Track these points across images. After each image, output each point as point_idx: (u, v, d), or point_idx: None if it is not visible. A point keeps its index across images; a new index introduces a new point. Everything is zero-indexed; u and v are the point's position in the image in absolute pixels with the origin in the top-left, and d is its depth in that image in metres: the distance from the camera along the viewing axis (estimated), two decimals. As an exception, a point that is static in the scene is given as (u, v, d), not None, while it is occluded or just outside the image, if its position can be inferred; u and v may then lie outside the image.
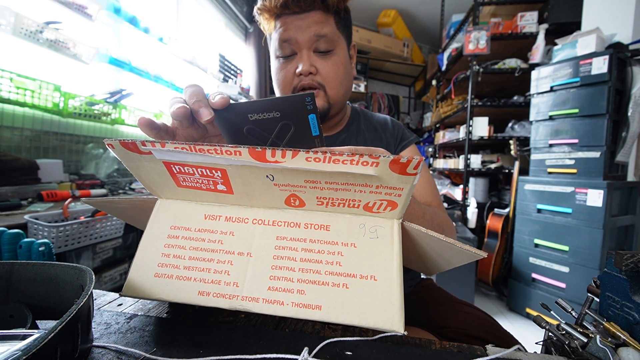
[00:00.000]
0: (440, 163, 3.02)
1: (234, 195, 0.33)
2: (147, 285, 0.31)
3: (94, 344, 0.28)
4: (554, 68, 1.72)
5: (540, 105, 1.79)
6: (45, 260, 0.45)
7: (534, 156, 1.84)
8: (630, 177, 1.68)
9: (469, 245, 0.31)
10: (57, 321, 0.22)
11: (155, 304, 0.36)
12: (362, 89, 3.72)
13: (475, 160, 2.36)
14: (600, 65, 1.52)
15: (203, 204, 0.36)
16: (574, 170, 1.63)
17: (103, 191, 1.32)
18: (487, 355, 0.28)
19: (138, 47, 1.81)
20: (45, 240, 0.69)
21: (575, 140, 1.62)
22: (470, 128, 2.29)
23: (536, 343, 0.34)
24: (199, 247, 0.33)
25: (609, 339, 0.28)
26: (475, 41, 2.12)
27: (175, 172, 0.32)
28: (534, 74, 1.83)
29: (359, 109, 0.76)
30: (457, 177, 3.03)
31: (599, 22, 1.71)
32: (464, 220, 2.33)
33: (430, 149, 3.59)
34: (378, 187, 0.28)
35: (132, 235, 1.11)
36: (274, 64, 0.63)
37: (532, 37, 2.10)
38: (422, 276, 0.71)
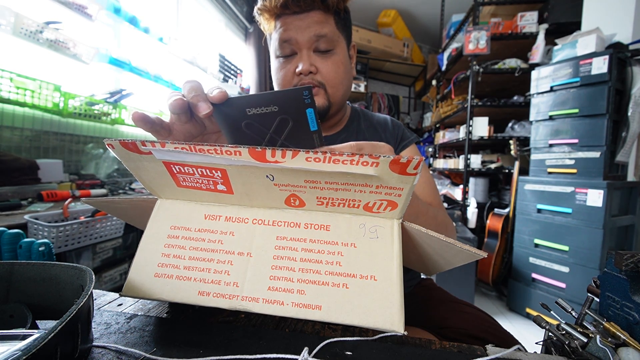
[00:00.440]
0: (440, 163, 3.02)
1: (234, 195, 0.33)
2: (147, 285, 0.31)
3: (94, 344, 0.28)
4: (554, 68, 1.72)
5: (540, 105, 1.79)
6: (45, 260, 0.45)
7: (534, 156, 1.84)
8: (630, 177, 1.68)
9: (469, 245, 0.31)
10: (57, 321, 0.22)
11: (155, 304, 0.36)
12: (362, 89, 3.71)
13: (475, 160, 2.36)
14: (600, 65, 1.52)
15: (203, 204, 0.36)
16: (574, 170, 1.63)
17: (103, 191, 1.32)
18: (487, 355, 0.28)
19: (138, 47, 1.81)
20: (45, 240, 0.69)
21: (575, 140, 1.62)
22: (470, 128, 2.29)
23: (536, 343, 0.34)
24: (199, 247, 0.33)
25: (609, 339, 0.28)
26: (475, 41, 2.12)
27: (175, 172, 0.32)
28: (534, 74, 1.83)
29: (358, 108, 0.76)
30: (457, 177, 3.03)
31: (599, 22, 1.71)
32: (464, 220, 2.33)
33: (430, 149, 3.59)
34: (378, 187, 0.28)
35: (132, 235, 1.11)
36: (274, 63, 0.63)
37: (532, 37, 2.10)
38: (422, 276, 0.71)
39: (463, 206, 2.38)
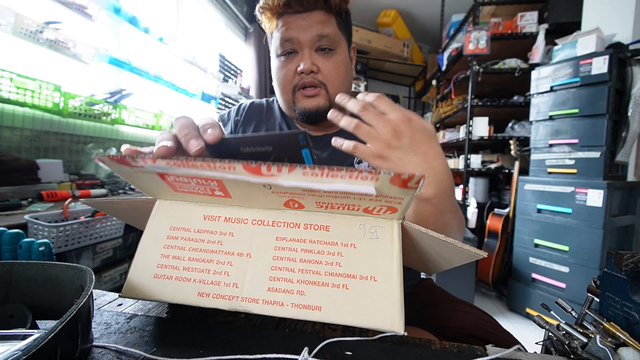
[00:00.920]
0: (440, 163, 3.01)
1: (232, 199, 0.33)
2: (146, 286, 0.31)
3: (94, 344, 0.28)
4: (554, 68, 1.72)
5: (540, 105, 1.79)
6: (45, 260, 0.45)
7: (534, 156, 1.84)
8: (630, 177, 1.68)
9: (469, 245, 0.31)
10: (57, 321, 0.22)
11: (155, 304, 0.36)
12: (362, 89, 3.71)
13: (475, 160, 2.36)
14: (600, 65, 1.52)
15: (202, 204, 0.36)
16: (574, 170, 1.63)
17: (103, 191, 1.32)
18: (487, 355, 0.28)
19: (138, 47, 1.82)
20: (45, 240, 0.69)
21: (575, 140, 1.62)
22: (470, 128, 2.29)
23: (536, 343, 0.34)
24: (199, 247, 0.33)
25: (609, 339, 0.28)
26: (475, 41, 2.12)
27: (171, 181, 0.32)
28: (534, 74, 1.83)
29: None
30: (457, 177, 3.02)
31: (599, 22, 1.71)
32: (464, 220, 2.33)
33: (430, 149, 3.58)
34: (378, 197, 0.28)
35: (132, 235, 1.11)
36: (275, 62, 0.63)
37: (532, 37, 2.10)
38: (422, 276, 0.71)
39: (463, 206, 2.38)
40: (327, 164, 0.70)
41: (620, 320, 0.31)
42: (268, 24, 0.61)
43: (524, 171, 1.98)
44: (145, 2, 1.93)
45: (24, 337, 0.25)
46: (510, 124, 2.34)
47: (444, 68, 2.99)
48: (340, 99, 0.44)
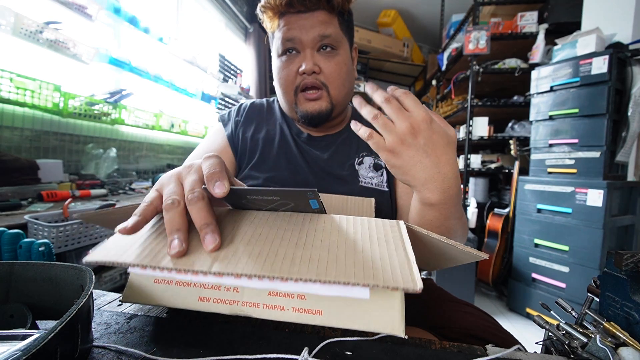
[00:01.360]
0: (440, 163, 3.01)
1: None
2: (147, 291, 0.31)
3: (94, 344, 0.28)
4: (554, 68, 1.72)
5: (540, 105, 1.79)
6: (45, 260, 0.45)
7: (534, 156, 1.84)
8: (630, 177, 1.68)
9: (470, 247, 0.31)
10: (57, 321, 0.22)
11: (155, 304, 0.36)
12: (362, 89, 3.71)
13: (475, 160, 2.36)
14: (600, 65, 1.52)
15: None
16: (574, 170, 1.63)
17: (103, 191, 1.32)
18: (487, 355, 0.28)
19: (138, 47, 1.82)
20: (45, 240, 0.69)
21: (575, 140, 1.62)
22: (470, 128, 2.29)
23: (536, 343, 0.34)
24: None
25: (609, 339, 0.28)
26: (475, 41, 2.12)
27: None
28: (534, 74, 1.83)
29: None
30: (457, 177, 3.02)
31: (599, 22, 1.71)
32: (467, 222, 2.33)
33: (430, 149, 3.58)
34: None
35: (132, 235, 1.11)
36: (276, 62, 0.62)
37: (532, 37, 2.10)
38: (422, 276, 0.71)
39: (463, 206, 2.37)
40: (327, 165, 0.69)
41: (620, 320, 0.31)
42: (269, 23, 0.61)
43: (524, 171, 1.98)
44: (145, 2, 1.93)
45: (24, 337, 0.25)
46: (510, 124, 2.34)
47: (444, 68, 2.99)
48: (368, 88, 0.42)
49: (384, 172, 0.64)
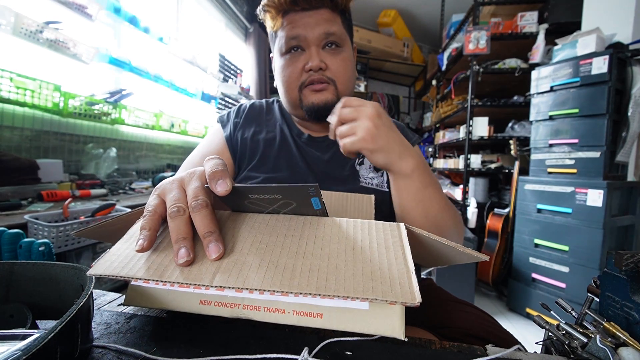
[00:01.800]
0: (440, 163, 3.02)
1: None
2: (148, 294, 0.31)
3: (94, 344, 0.28)
4: (554, 68, 1.72)
5: (540, 105, 1.79)
6: (45, 260, 0.45)
7: (534, 156, 1.84)
8: (630, 177, 1.68)
9: (470, 249, 0.31)
10: (57, 321, 0.22)
11: (155, 304, 0.36)
12: (362, 89, 3.72)
13: (475, 160, 2.36)
14: (600, 65, 1.52)
15: None
16: (574, 170, 1.63)
17: (103, 191, 1.32)
18: (487, 355, 0.28)
19: (138, 47, 1.82)
20: (45, 240, 0.69)
21: (575, 140, 1.62)
22: (470, 128, 2.29)
23: (536, 343, 0.34)
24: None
25: (609, 339, 0.28)
26: (475, 41, 2.12)
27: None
28: (534, 74, 1.83)
29: None
30: (457, 177, 3.03)
31: (599, 22, 1.71)
32: (464, 220, 2.33)
33: (430, 149, 3.59)
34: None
35: (132, 235, 1.11)
36: (279, 61, 0.62)
37: (532, 37, 2.10)
38: (422, 276, 0.71)
39: (463, 206, 2.38)
40: (328, 166, 0.69)
41: (620, 320, 0.31)
42: (272, 22, 0.60)
43: (524, 171, 1.98)
44: (145, 2, 1.93)
45: (24, 337, 0.25)
46: (510, 124, 2.34)
47: (444, 68, 2.99)
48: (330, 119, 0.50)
49: (384, 173, 0.64)
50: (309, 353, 0.27)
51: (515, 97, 2.22)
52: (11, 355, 0.21)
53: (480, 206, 2.40)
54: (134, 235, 0.33)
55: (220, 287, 0.27)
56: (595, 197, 1.50)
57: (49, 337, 0.20)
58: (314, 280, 0.27)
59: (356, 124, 0.46)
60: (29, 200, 1.04)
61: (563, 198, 1.63)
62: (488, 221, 2.18)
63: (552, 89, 1.73)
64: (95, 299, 0.37)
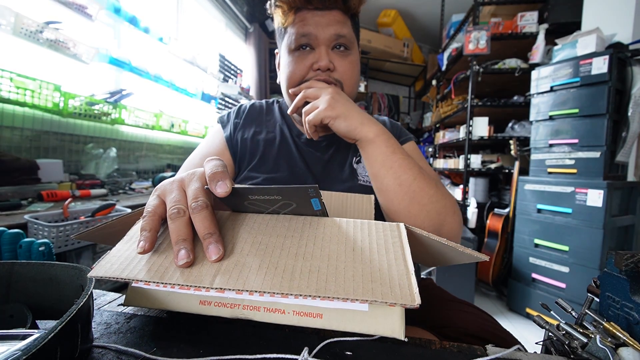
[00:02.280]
0: (440, 163, 3.02)
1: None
2: (148, 295, 0.31)
3: (94, 343, 0.28)
4: (554, 68, 1.72)
5: (540, 105, 1.79)
6: (45, 260, 0.45)
7: (534, 156, 1.84)
8: (630, 177, 1.68)
9: (470, 249, 0.31)
10: (57, 321, 0.22)
11: (155, 304, 0.36)
12: (362, 89, 3.72)
13: (475, 160, 2.36)
14: (600, 65, 1.52)
15: None
16: (574, 170, 1.63)
17: (103, 191, 1.32)
18: (487, 355, 0.28)
19: (138, 47, 1.82)
20: (45, 240, 0.69)
21: (575, 140, 1.62)
22: (470, 128, 2.29)
23: (536, 343, 0.34)
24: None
25: (609, 339, 0.28)
26: (475, 41, 2.12)
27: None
28: (534, 74, 1.83)
29: None
30: (457, 177, 3.03)
31: (599, 22, 1.71)
32: (464, 220, 2.33)
33: (430, 149, 3.59)
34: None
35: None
36: (286, 57, 0.61)
37: (532, 37, 2.10)
38: (422, 276, 0.71)
39: (463, 206, 2.38)
40: (327, 166, 0.69)
41: (620, 320, 0.31)
42: (282, 18, 0.60)
43: (524, 171, 1.98)
44: (145, 2, 1.93)
45: (24, 337, 0.25)
46: (510, 124, 2.34)
47: (444, 68, 2.99)
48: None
49: None
50: (309, 353, 0.27)
51: (515, 97, 2.22)
52: (11, 355, 0.21)
53: (480, 206, 2.40)
54: (134, 236, 0.33)
55: (221, 289, 0.27)
56: (595, 197, 1.50)
57: (49, 337, 0.20)
58: (313, 282, 0.26)
59: (318, 100, 0.54)
60: (29, 200, 1.04)
61: (563, 198, 1.63)
62: (488, 221, 2.18)
63: (552, 89, 1.73)
64: (95, 299, 0.37)
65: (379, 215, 0.54)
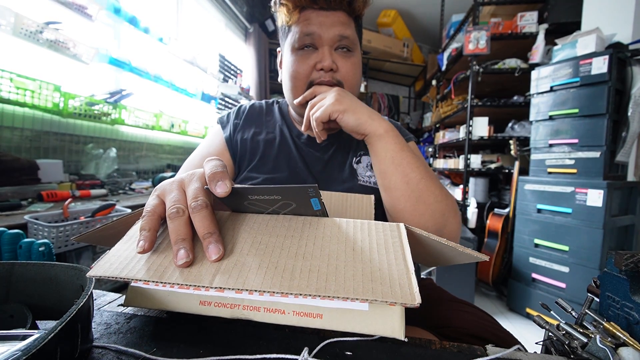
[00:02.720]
0: (440, 163, 3.02)
1: None
2: (148, 295, 0.31)
3: (94, 344, 0.28)
4: (554, 68, 1.72)
5: (540, 105, 1.79)
6: (45, 260, 0.45)
7: (534, 156, 1.84)
8: (630, 177, 1.68)
9: (470, 249, 0.31)
10: (57, 321, 0.22)
11: (155, 304, 0.36)
12: (362, 89, 3.71)
13: (475, 160, 2.36)
14: (600, 65, 1.52)
15: None
16: (574, 170, 1.63)
17: (103, 191, 1.32)
18: (487, 355, 0.28)
19: (138, 47, 1.82)
20: (45, 241, 0.70)
21: (575, 140, 1.62)
22: (470, 128, 2.29)
23: (536, 343, 0.34)
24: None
25: (609, 339, 0.28)
26: (475, 41, 2.12)
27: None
28: (534, 74, 1.83)
29: None
30: (457, 177, 3.03)
31: (599, 22, 1.71)
32: (464, 220, 2.33)
33: (430, 149, 3.59)
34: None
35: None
36: (290, 56, 0.61)
37: (532, 37, 2.10)
38: (422, 276, 0.71)
39: (463, 206, 2.38)
40: (327, 167, 0.69)
41: (620, 320, 0.31)
42: (287, 16, 0.60)
43: (524, 171, 1.98)
44: (145, 2, 1.93)
45: (24, 337, 0.25)
46: (510, 124, 2.34)
47: (444, 68, 2.99)
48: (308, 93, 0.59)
49: None
50: (309, 353, 0.27)
51: (515, 97, 2.22)
52: (11, 355, 0.21)
53: (480, 206, 2.40)
54: (134, 236, 0.33)
55: (220, 288, 0.27)
56: (595, 197, 1.50)
57: (49, 337, 0.20)
58: (313, 282, 0.26)
59: (324, 99, 0.54)
60: (29, 200, 1.04)
61: (563, 198, 1.63)
62: (488, 221, 2.18)
63: (552, 89, 1.73)
64: (95, 299, 0.37)
65: (379, 215, 0.54)
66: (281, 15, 0.61)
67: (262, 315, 0.29)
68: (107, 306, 0.35)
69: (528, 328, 1.68)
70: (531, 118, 1.85)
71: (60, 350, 0.21)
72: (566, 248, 1.61)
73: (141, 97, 1.82)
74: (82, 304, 0.24)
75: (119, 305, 0.36)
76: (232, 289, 0.26)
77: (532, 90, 1.84)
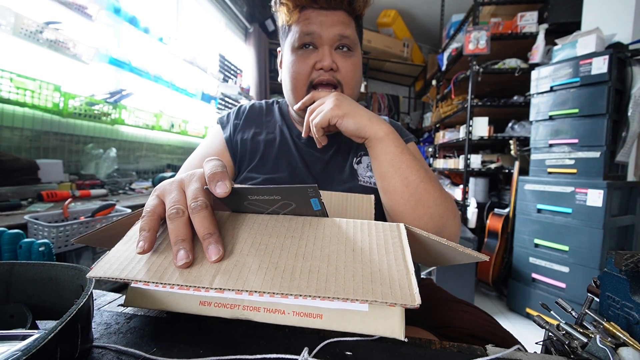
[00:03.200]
0: (440, 163, 3.02)
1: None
2: (148, 295, 0.31)
3: (94, 344, 0.28)
4: (554, 68, 1.72)
5: (540, 105, 1.79)
6: (45, 260, 0.45)
7: (534, 156, 1.84)
8: (630, 177, 1.68)
9: (470, 249, 0.31)
10: (57, 321, 0.22)
11: (155, 304, 0.36)
12: (362, 89, 3.71)
13: (475, 160, 2.36)
14: (600, 65, 1.52)
15: None
16: (574, 170, 1.63)
17: (103, 191, 1.32)
18: (487, 355, 0.28)
19: (138, 47, 1.82)
20: (45, 241, 0.70)
21: (575, 140, 1.62)
22: (470, 128, 2.29)
23: (536, 343, 0.34)
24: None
25: (609, 339, 0.28)
26: (475, 41, 2.12)
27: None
28: (534, 74, 1.83)
29: None
30: (457, 177, 3.03)
31: (599, 22, 1.71)
32: (464, 220, 2.33)
33: (430, 149, 3.59)
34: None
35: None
36: (290, 56, 0.61)
37: (532, 37, 2.10)
38: (422, 276, 0.71)
39: (463, 206, 2.38)
40: (327, 167, 0.69)
41: (620, 320, 0.31)
42: (287, 15, 0.60)
43: (524, 171, 1.98)
44: (145, 2, 1.93)
45: (24, 337, 0.25)
46: (510, 124, 2.34)
47: (444, 68, 2.99)
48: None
49: None
50: (309, 353, 0.27)
51: (515, 97, 2.22)
52: (11, 355, 0.21)
53: (480, 206, 2.40)
54: (134, 236, 0.33)
55: (220, 289, 0.27)
56: (595, 197, 1.50)
57: (49, 337, 0.20)
58: (313, 282, 0.26)
59: (323, 104, 0.54)
60: (29, 200, 1.04)
61: (563, 198, 1.63)
62: (488, 221, 2.18)
63: (552, 89, 1.73)
64: (95, 299, 0.37)
65: (379, 215, 0.54)
66: (281, 15, 0.61)
67: (262, 315, 0.29)
68: (107, 306, 0.35)
69: (528, 328, 1.68)
70: (531, 118, 1.85)
71: (60, 350, 0.21)
72: (566, 248, 1.61)
73: (141, 97, 1.82)
74: (82, 304, 0.24)
75: (119, 305, 0.36)
76: (232, 290, 0.26)
77: (532, 90, 1.84)
